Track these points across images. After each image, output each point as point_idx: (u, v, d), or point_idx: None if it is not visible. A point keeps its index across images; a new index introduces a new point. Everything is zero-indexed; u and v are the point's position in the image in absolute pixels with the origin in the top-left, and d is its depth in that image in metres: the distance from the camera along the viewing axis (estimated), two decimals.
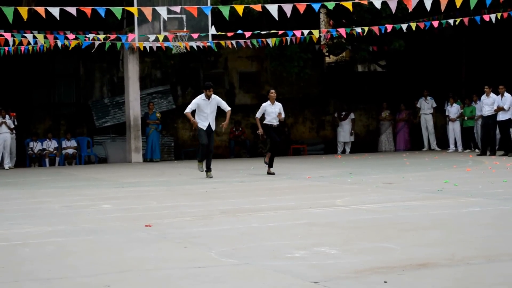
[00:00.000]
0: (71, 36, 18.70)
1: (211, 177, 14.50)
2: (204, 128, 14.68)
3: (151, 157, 22.50)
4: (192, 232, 7.35)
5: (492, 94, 19.99)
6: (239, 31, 18.28)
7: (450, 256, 5.64)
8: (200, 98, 14.75)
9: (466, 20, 17.84)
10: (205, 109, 14.65)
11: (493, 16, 17.23)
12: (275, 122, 15.16)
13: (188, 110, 14.77)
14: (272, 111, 15.11)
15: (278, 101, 15.44)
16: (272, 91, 15.33)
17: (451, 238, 6.55)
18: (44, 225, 8.14)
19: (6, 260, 6.08)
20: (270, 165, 15.05)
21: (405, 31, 18.41)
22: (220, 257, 5.89)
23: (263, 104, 15.30)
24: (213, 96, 14.79)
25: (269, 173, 14.95)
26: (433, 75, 26.28)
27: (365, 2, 14.43)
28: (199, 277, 5.19)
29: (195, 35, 17.85)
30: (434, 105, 24.06)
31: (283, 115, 15.25)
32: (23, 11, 13.10)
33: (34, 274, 5.46)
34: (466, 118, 22.39)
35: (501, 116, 19.61)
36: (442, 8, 14.17)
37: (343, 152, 24.63)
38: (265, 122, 15.19)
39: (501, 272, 5.10)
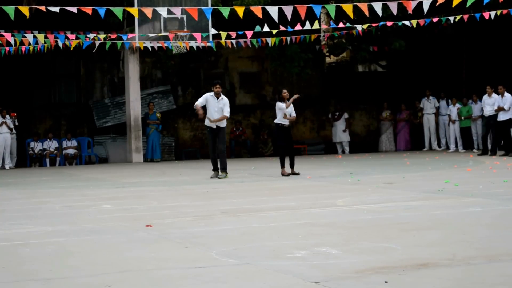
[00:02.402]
0: (71, 36, 18.71)
1: (219, 177, 14.44)
2: (211, 126, 14.59)
3: (152, 157, 22.50)
4: (192, 232, 7.35)
5: (493, 94, 20.01)
6: (240, 32, 18.29)
7: (451, 256, 5.64)
8: (208, 94, 14.70)
9: (466, 17, 17.85)
10: (212, 106, 14.57)
11: (492, 14, 17.23)
12: (286, 122, 15.04)
13: (197, 103, 14.51)
14: (287, 111, 14.96)
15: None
16: (284, 91, 15.09)
17: (451, 238, 6.55)
18: (45, 225, 8.14)
19: (7, 260, 6.08)
20: (292, 164, 14.94)
21: (410, 26, 18.36)
22: (220, 257, 5.89)
23: (278, 104, 15.07)
24: (223, 96, 14.72)
25: (293, 173, 14.78)
26: (434, 75, 26.29)
27: (365, 6, 14.44)
28: (199, 277, 5.19)
29: (195, 35, 17.85)
30: (437, 104, 24.07)
31: (293, 114, 14.98)
32: (25, 9, 13.11)
33: (34, 274, 5.47)
34: (463, 118, 22.42)
35: (502, 116, 19.62)
36: (438, 2, 14.17)
37: (343, 152, 24.66)
38: (276, 121, 15.07)
39: (502, 272, 5.10)
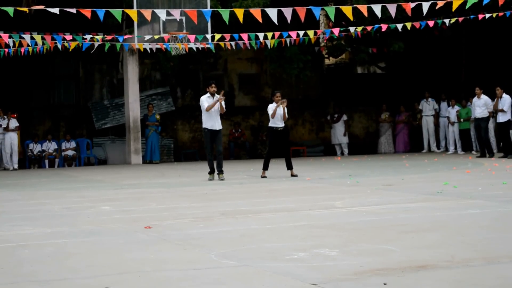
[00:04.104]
0: (69, 37, 18.69)
1: (222, 179, 14.43)
2: (211, 128, 14.56)
3: (151, 159, 22.50)
4: (191, 233, 7.35)
5: (483, 96, 20.02)
6: (236, 35, 18.29)
7: (450, 258, 5.64)
8: (205, 97, 14.69)
9: (461, 19, 17.87)
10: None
11: (487, 16, 17.25)
12: (280, 125, 15.04)
13: (205, 105, 14.44)
14: (278, 113, 15.00)
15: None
16: (278, 94, 15.15)
17: (450, 240, 6.55)
18: (44, 226, 8.14)
19: (5, 261, 6.08)
20: (290, 167, 14.92)
21: (400, 30, 18.42)
22: (219, 259, 5.89)
23: (270, 106, 15.13)
24: (217, 95, 14.74)
25: (292, 175, 14.83)
26: (433, 77, 26.31)
27: (365, 8, 14.46)
28: (198, 279, 5.19)
29: (194, 37, 17.85)
30: (436, 106, 24.10)
31: (286, 115, 15.02)
32: (24, 9, 13.11)
33: (33, 276, 5.46)
34: (462, 120, 22.43)
35: (501, 118, 19.63)
36: (438, 6, 14.20)
37: (342, 153, 24.67)
38: (269, 125, 15.11)
39: (501, 274, 5.10)
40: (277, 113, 14.92)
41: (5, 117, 21.29)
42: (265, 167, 14.88)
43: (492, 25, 18.18)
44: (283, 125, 15.08)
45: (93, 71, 24.65)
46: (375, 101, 26.37)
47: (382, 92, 26.59)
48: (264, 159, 15.19)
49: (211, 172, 14.63)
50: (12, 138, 21.31)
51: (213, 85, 14.68)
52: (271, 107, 15.02)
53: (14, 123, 21.37)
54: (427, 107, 24.22)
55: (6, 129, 21.31)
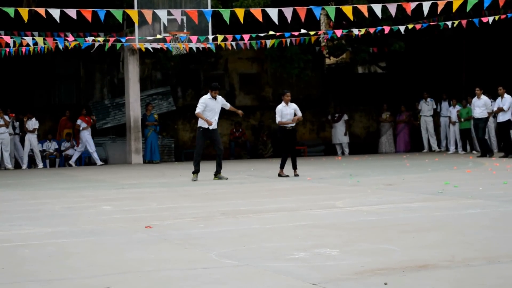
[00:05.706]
0: (71, 37, 18.71)
1: (226, 178, 14.44)
2: (204, 127, 14.55)
3: (151, 159, 22.49)
4: (192, 233, 7.35)
5: (483, 96, 20.02)
6: (237, 36, 18.29)
7: (450, 257, 5.64)
8: (206, 98, 14.66)
9: (464, 22, 17.86)
10: (212, 107, 14.57)
11: (491, 18, 17.25)
12: (290, 124, 15.04)
13: (199, 110, 14.46)
14: (287, 113, 14.98)
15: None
16: (288, 94, 15.12)
17: (451, 239, 6.56)
18: (45, 226, 8.14)
19: (6, 261, 6.08)
20: (295, 166, 14.99)
21: (403, 32, 18.43)
22: (220, 259, 5.89)
23: (278, 107, 15.08)
24: (218, 96, 14.74)
25: (295, 175, 14.87)
26: (434, 77, 26.30)
27: (365, 8, 14.47)
28: (199, 278, 5.20)
29: (194, 37, 17.85)
30: (434, 106, 24.10)
31: (299, 114, 14.98)
32: (24, 12, 13.12)
33: (34, 275, 5.46)
34: (462, 119, 22.42)
35: (501, 118, 19.63)
36: (439, 7, 14.20)
37: (343, 153, 24.67)
38: (280, 124, 15.10)
39: (502, 274, 5.10)
40: (287, 113, 14.87)
41: (5, 116, 21.30)
42: (283, 166, 14.87)
43: (493, 25, 18.17)
44: (293, 124, 15.07)
45: (94, 70, 24.66)
46: (376, 101, 26.37)
47: (383, 91, 26.59)
48: (281, 159, 15.08)
49: (195, 172, 14.61)
50: (31, 139, 21.57)
51: (217, 92, 14.67)
52: (279, 109, 14.97)
53: (34, 124, 21.61)
54: (426, 107, 24.23)
55: (25, 129, 21.60)
